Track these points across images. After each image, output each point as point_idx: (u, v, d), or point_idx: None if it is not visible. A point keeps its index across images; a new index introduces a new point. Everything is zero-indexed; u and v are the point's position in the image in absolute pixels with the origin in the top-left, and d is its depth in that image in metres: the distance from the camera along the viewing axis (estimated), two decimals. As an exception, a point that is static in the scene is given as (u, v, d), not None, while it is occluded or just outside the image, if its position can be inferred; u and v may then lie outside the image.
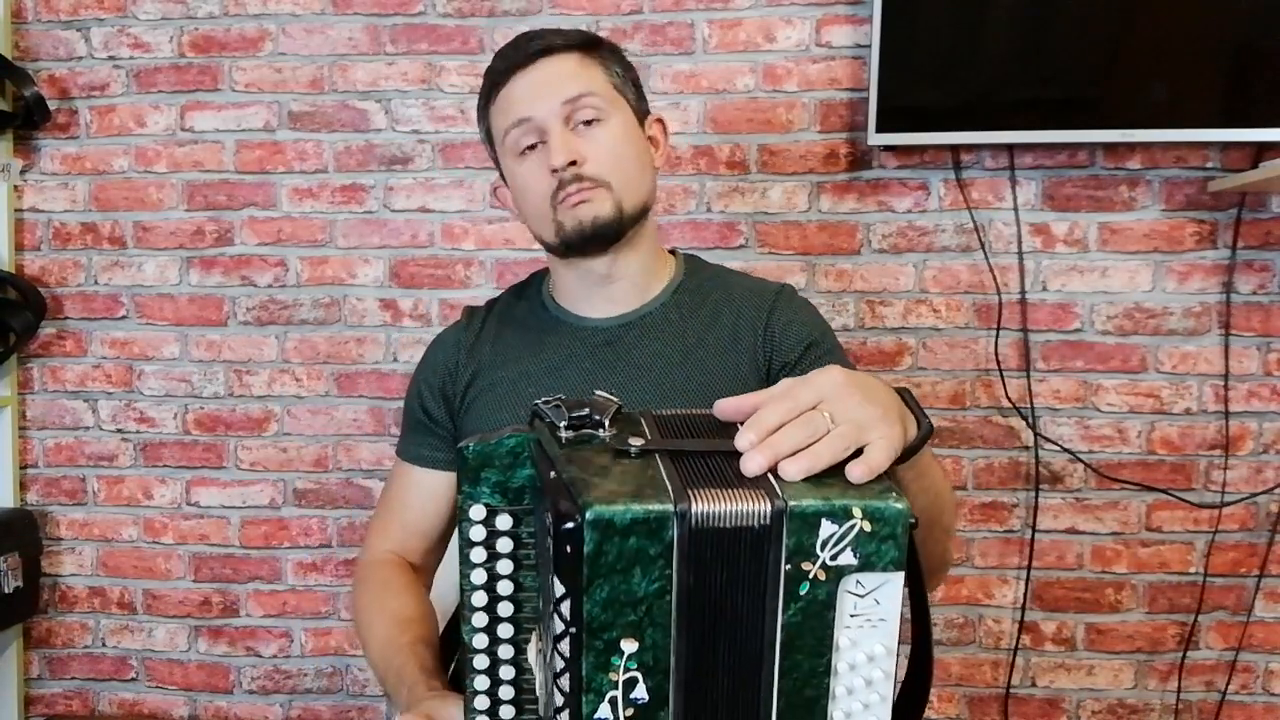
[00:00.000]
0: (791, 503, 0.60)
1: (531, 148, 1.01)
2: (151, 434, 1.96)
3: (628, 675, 0.61)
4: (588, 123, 1.00)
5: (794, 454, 0.64)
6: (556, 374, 1.05)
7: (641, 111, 1.07)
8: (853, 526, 0.60)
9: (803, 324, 1.07)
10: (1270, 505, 1.81)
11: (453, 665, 1.02)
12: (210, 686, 1.99)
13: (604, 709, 0.61)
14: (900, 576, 0.62)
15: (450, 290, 1.91)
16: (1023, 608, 1.86)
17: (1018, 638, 1.87)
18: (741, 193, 1.86)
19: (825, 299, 1.86)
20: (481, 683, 0.75)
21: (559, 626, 0.61)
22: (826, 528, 0.60)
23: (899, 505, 0.60)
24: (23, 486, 1.98)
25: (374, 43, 1.89)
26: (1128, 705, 1.87)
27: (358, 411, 1.93)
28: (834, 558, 0.60)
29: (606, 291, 1.07)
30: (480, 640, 0.74)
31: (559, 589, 0.60)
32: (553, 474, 0.64)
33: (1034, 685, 1.88)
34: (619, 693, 0.61)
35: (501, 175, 1.09)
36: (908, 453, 0.71)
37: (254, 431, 1.95)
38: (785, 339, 1.05)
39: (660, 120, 1.10)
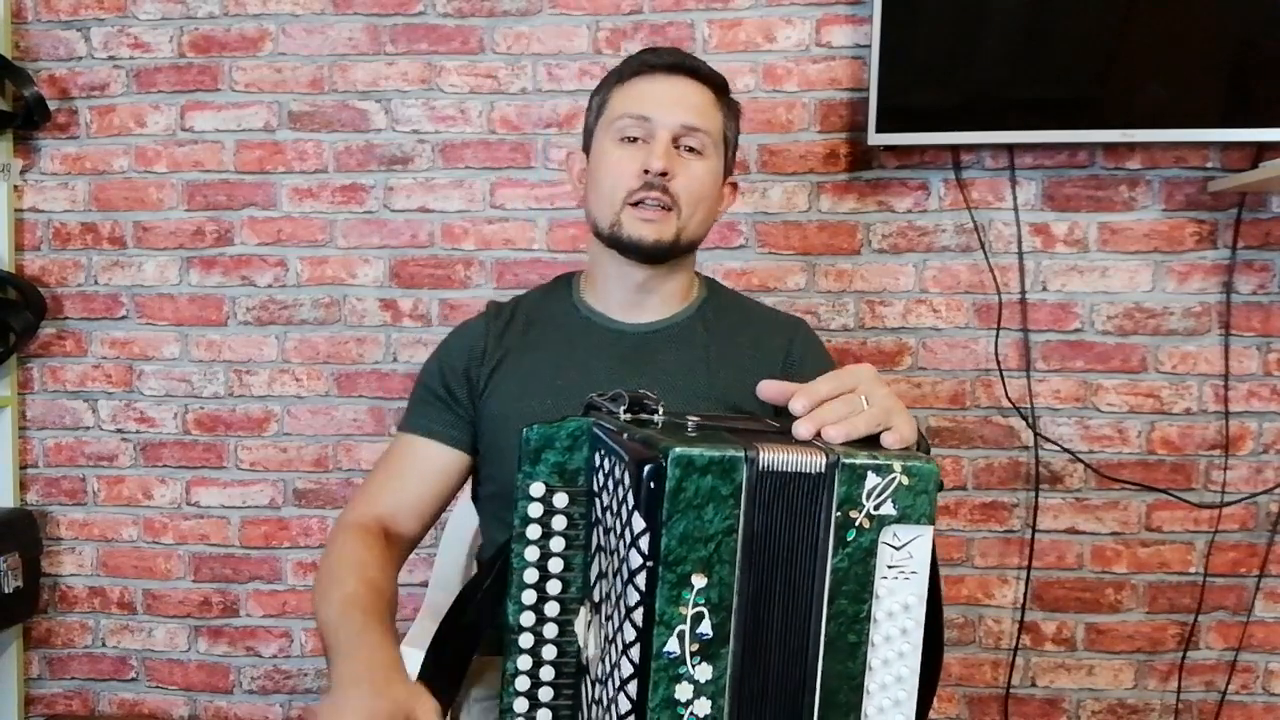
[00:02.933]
0: (844, 457, 0.68)
1: (633, 140, 1.06)
2: (151, 434, 1.96)
3: (695, 610, 0.67)
4: (690, 149, 1.07)
5: (835, 423, 0.73)
6: (585, 371, 1.08)
7: (729, 168, 1.16)
8: (893, 480, 0.68)
9: (816, 358, 1.14)
10: (1270, 505, 1.81)
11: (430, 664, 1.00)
12: (210, 686, 1.99)
13: (673, 642, 0.66)
14: (930, 531, 0.69)
15: (450, 290, 1.91)
16: (1023, 608, 1.86)
17: (1018, 638, 1.87)
18: (741, 193, 1.86)
19: (825, 299, 1.86)
20: (524, 662, 0.78)
21: (637, 561, 0.67)
22: (871, 479, 0.68)
23: (931, 465, 0.69)
24: (23, 486, 1.98)
25: (374, 43, 1.89)
26: (1128, 705, 1.87)
27: (358, 411, 1.93)
28: (877, 507, 0.68)
29: (639, 300, 1.12)
30: (527, 618, 0.78)
31: (639, 525, 0.66)
32: (624, 436, 0.72)
33: (1034, 685, 1.88)
34: (687, 627, 0.67)
35: (585, 145, 1.15)
36: None
37: (254, 431, 1.95)
38: (803, 371, 1.08)
39: (735, 185, 1.19)
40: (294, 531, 1.96)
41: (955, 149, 1.80)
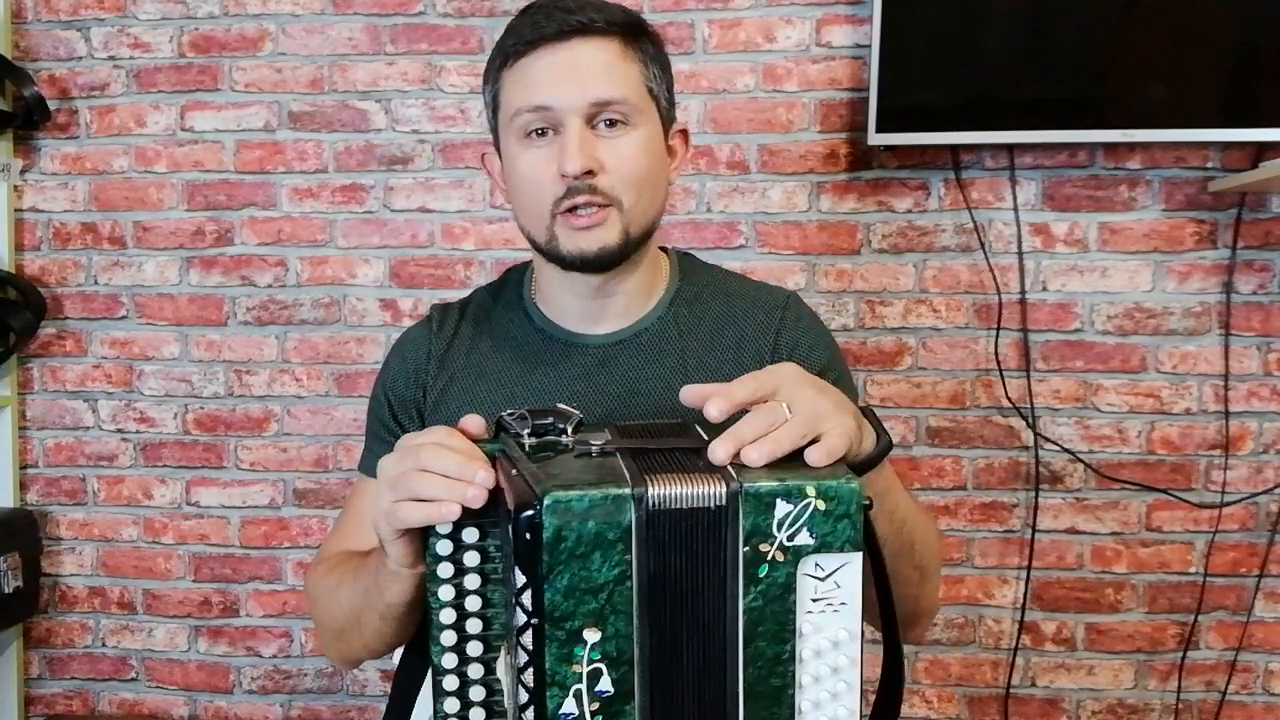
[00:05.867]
0: (746, 484, 0.61)
1: (541, 133, 0.89)
2: (151, 434, 1.96)
3: (592, 667, 0.61)
4: (611, 123, 0.88)
5: (756, 441, 0.65)
6: (544, 396, 0.96)
7: (669, 119, 0.96)
8: (808, 506, 0.61)
9: (811, 347, 1.00)
10: (1270, 505, 1.81)
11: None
12: (210, 686, 1.99)
13: (569, 703, 0.61)
14: (858, 557, 0.62)
15: (450, 290, 1.91)
16: (1023, 608, 1.86)
17: (1018, 638, 1.87)
18: (741, 193, 1.86)
19: (825, 299, 1.86)
20: (451, 705, 0.73)
21: (521, 619, 0.61)
22: (782, 508, 0.61)
23: (852, 484, 0.62)
24: (23, 486, 1.98)
25: (374, 43, 1.89)
26: (1128, 705, 1.87)
27: (358, 411, 1.93)
28: (791, 538, 0.61)
29: (600, 306, 0.97)
30: (449, 660, 0.72)
31: (520, 579, 0.61)
32: (514, 472, 0.65)
33: (1034, 685, 1.88)
34: (583, 685, 0.61)
35: (495, 144, 0.98)
36: (865, 465, 0.71)
37: (254, 431, 1.95)
38: (794, 361, 1.01)
39: (684, 131, 0.99)
40: (294, 531, 1.96)
41: (955, 149, 1.80)
